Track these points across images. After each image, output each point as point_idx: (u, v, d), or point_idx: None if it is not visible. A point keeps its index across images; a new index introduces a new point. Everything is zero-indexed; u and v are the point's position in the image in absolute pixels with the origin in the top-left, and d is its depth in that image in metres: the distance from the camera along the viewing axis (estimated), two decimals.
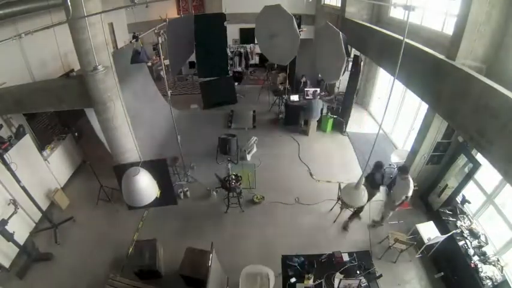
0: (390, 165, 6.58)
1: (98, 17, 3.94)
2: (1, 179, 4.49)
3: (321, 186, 6.27)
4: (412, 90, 4.87)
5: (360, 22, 7.13)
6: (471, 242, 4.19)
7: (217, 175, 5.69)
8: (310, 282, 3.67)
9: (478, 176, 4.58)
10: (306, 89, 8.40)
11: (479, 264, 3.88)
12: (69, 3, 2.90)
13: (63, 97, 4.85)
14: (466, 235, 4.31)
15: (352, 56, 7.80)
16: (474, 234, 4.29)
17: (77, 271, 4.55)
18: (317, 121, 8.00)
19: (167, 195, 4.67)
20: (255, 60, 12.59)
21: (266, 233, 5.20)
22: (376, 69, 8.49)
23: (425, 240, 4.38)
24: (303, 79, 9.17)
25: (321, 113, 7.83)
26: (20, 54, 5.72)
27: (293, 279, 3.76)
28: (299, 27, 6.50)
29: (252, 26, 5.86)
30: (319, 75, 9.32)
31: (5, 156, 4.41)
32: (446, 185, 5.07)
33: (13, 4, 4.75)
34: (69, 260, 4.74)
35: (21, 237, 4.62)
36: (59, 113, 6.58)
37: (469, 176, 4.64)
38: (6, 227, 4.22)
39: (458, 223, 4.50)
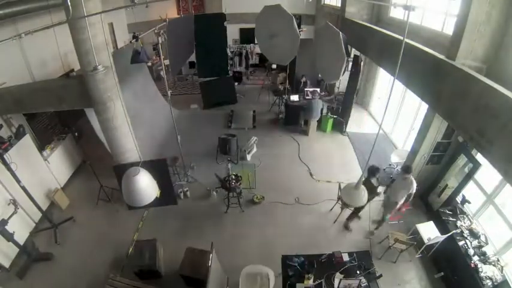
0: (390, 165, 6.59)
1: (98, 17, 3.94)
2: (1, 179, 4.49)
3: (321, 186, 6.27)
4: (412, 90, 4.87)
5: (360, 22, 7.13)
6: (471, 242, 4.19)
7: (217, 175, 5.69)
8: (310, 282, 3.66)
9: (478, 176, 4.58)
10: (306, 89, 8.40)
11: (479, 264, 3.88)
12: (69, 3, 2.91)
13: (63, 97, 4.85)
14: (466, 235, 4.30)
15: (352, 56, 7.80)
16: (474, 234, 4.29)
17: (77, 271, 4.55)
18: (317, 121, 8.00)
19: (167, 195, 4.68)
20: (255, 60, 12.60)
21: (266, 233, 5.20)
22: (376, 69, 8.49)
23: (425, 240, 4.38)
24: (303, 79, 9.17)
25: (321, 113, 7.83)
26: (20, 54, 5.72)
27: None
28: (299, 27, 6.50)
29: (252, 26, 5.85)
30: (319, 75, 9.32)
31: (5, 156, 4.41)
32: (446, 185, 5.07)
33: (13, 4, 4.75)
34: (69, 260, 4.74)
35: (21, 237, 4.62)
36: (59, 113, 6.58)
37: (469, 176, 4.64)
38: (6, 227, 4.22)
39: (458, 223, 4.50)
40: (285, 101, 8.54)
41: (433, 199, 5.36)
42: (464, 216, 4.60)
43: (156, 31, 4.83)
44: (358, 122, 8.53)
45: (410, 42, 4.44)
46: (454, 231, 4.34)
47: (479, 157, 4.46)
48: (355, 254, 4.10)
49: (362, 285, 3.58)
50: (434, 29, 5.27)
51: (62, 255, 4.81)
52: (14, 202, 4.58)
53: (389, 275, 4.34)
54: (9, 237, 4.28)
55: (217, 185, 5.83)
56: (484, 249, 4.07)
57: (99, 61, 3.46)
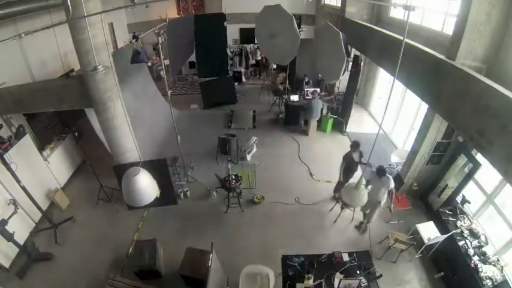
0: (390, 165, 6.58)
1: (98, 17, 3.94)
2: (1, 179, 4.49)
3: (321, 186, 6.27)
4: (412, 90, 4.87)
5: (360, 22, 7.13)
6: (471, 242, 4.19)
7: (217, 175, 5.69)
8: (310, 282, 3.66)
9: (478, 176, 4.58)
10: (306, 89, 8.41)
11: (479, 264, 3.88)
12: (69, 3, 2.91)
13: (63, 97, 4.85)
14: (466, 235, 4.30)
15: (352, 56, 7.80)
16: (474, 234, 4.28)
17: (77, 271, 4.55)
18: (317, 121, 8.00)
19: (167, 195, 4.68)
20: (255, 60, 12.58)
21: (266, 233, 5.20)
22: (376, 69, 8.49)
23: (425, 240, 4.38)
24: (306, 79, 9.16)
25: (321, 113, 7.83)
26: (20, 54, 5.72)
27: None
28: (299, 27, 6.50)
29: (252, 26, 5.85)
30: (319, 75, 9.32)
31: (5, 156, 4.41)
32: (446, 185, 5.07)
33: (13, 4, 4.75)
34: (69, 260, 4.74)
35: (21, 237, 4.61)
36: (59, 113, 6.58)
37: (469, 176, 4.64)
38: (6, 227, 4.22)
39: (458, 223, 4.50)
40: (285, 101, 8.55)
41: (433, 199, 5.36)
42: (464, 216, 4.60)
43: (156, 31, 4.83)
44: (358, 122, 8.53)
45: (410, 42, 4.44)
46: (454, 231, 4.34)
47: (479, 157, 4.46)
48: (355, 254, 4.10)
49: (362, 285, 3.58)
50: (434, 29, 5.27)
51: (62, 255, 4.81)
52: (14, 202, 4.58)
53: (389, 275, 4.34)
54: (9, 237, 4.28)
55: (217, 185, 5.83)
56: (484, 249, 4.07)
57: (99, 61, 3.46)
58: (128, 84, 6.73)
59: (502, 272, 3.78)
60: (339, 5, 8.75)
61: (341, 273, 3.81)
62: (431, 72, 4.14)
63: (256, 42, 6.84)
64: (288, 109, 8.40)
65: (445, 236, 4.33)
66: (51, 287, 4.40)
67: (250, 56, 11.73)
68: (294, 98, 8.38)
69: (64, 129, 6.70)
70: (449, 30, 4.53)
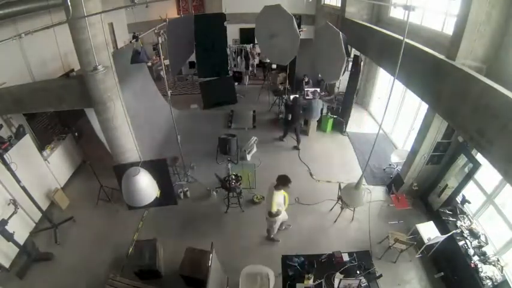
0: (390, 165, 6.59)
1: (98, 17, 3.94)
2: (1, 179, 4.49)
3: (321, 186, 6.27)
4: (412, 90, 4.87)
5: (360, 22, 7.13)
6: (471, 242, 4.19)
7: (217, 175, 5.69)
8: (310, 282, 3.66)
9: (478, 176, 4.58)
10: (306, 89, 8.40)
11: (479, 264, 3.88)
12: (69, 3, 2.91)
13: (63, 97, 4.85)
14: (466, 235, 4.30)
15: (352, 56, 7.80)
16: (474, 234, 4.28)
17: (77, 271, 4.55)
18: (317, 121, 8.00)
19: (167, 195, 4.69)
20: (256, 60, 12.56)
21: (266, 233, 5.19)
22: (376, 69, 8.49)
23: (425, 240, 4.38)
24: (306, 79, 9.15)
25: (321, 113, 7.83)
26: (20, 54, 5.72)
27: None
28: (299, 27, 6.50)
29: (252, 26, 5.85)
30: (319, 75, 9.32)
31: (5, 156, 4.41)
32: (446, 185, 5.06)
33: (13, 4, 4.75)
34: (69, 260, 4.74)
35: (21, 237, 4.61)
36: (59, 113, 6.58)
37: (469, 176, 4.64)
38: (6, 227, 4.22)
39: (458, 223, 4.50)
40: (285, 101, 8.54)
41: (433, 199, 5.36)
42: (464, 216, 4.60)
43: (156, 31, 4.83)
44: (358, 122, 8.53)
45: (410, 42, 4.44)
46: (454, 231, 4.34)
47: (479, 157, 4.46)
48: (355, 254, 4.10)
49: (362, 285, 3.58)
50: (434, 29, 5.27)
51: (62, 255, 4.81)
52: (14, 202, 4.58)
53: (389, 275, 4.34)
54: (9, 237, 4.28)
55: (217, 185, 5.83)
56: (484, 249, 4.07)
57: (99, 61, 3.46)
58: (128, 84, 6.72)
59: (502, 272, 3.78)
60: (339, 5, 8.75)
61: (341, 273, 3.81)
62: (431, 72, 4.14)
63: (256, 42, 6.84)
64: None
65: (445, 236, 4.33)
66: (51, 287, 4.40)
67: (250, 56, 11.72)
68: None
69: (64, 129, 6.70)
70: (449, 30, 4.53)
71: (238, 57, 11.54)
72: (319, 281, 3.72)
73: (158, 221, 5.44)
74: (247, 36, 11.40)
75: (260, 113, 9.13)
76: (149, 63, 10.36)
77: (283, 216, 4.69)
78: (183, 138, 5.88)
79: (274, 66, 11.06)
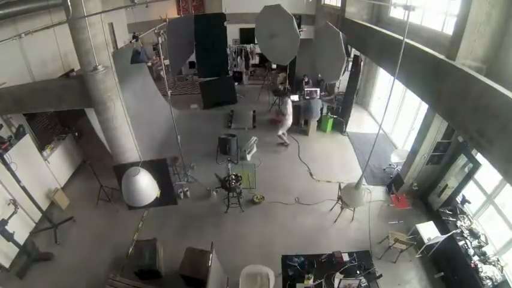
0: (390, 165, 6.59)
1: (98, 17, 3.94)
2: (1, 179, 4.49)
3: (321, 186, 6.27)
4: (412, 90, 4.87)
5: (360, 22, 7.13)
6: (471, 242, 4.19)
7: (217, 175, 5.69)
8: (310, 282, 3.66)
9: (478, 176, 4.58)
10: (305, 89, 8.40)
11: (479, 264, 3.88)
12: (69, 3, 2.91)
13: (63, 97, 4.85)
14: (466, 235, 4.30)
15: (352, 56, 7.80)
16: (474, 234, 4.28)
17: (77, 271, 4.55)
18: (317, 121, 8.00)
19: (167, 195, 4.67)
20: (255, 60, 12.58)
21: (266, 233, 5.20)
22: (376, 69, 8.49)
23: (425, 240, 4.38)
24: (305, 79, 9.16)
25: (321, 113, 7.83)
26: (20, 54, 5.72)
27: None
28: (299, 27, 6.50)
29: (252, 26, 5.85)
30: (319, 75, 9.32)
31: (5, 156, 4.41)
32: (446, 185, 5.06)
33: (13, 4, 4.75)
34: (69, 260, 4.74)
35: (21, 237, 4.61)
36: (59, 113, 6.58)
37: (469, 176, 4.64)
38: (6, 227, 4.22)
39: (458, 223, 4.50)
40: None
41: (433, 199, 5.36)
42: (464, 216, 4.60)
43: (156, 31, 4.83)
44: (358, 122, 8.53)
45: (410, 42, 4.44)
46: (454, 231, 4.34)
47: (479, 157, 4.46)
48: (355, 254, 4.10)
49: (362, 285, 3.59)
50: (434, 29, 5.26)
51: (62, 255, 4.81)
52: (14, 202, 4.58)
53: (389, 275, 4.34)
54: (9, 237, 4.28)
55: (217, 185, 5.83)
56: (484, 249, 4.07)
57: (99, 61, 3.46)
58: (128, 84, 6.73)
59: (502, 272, 3.78)
60: (339, 5, 8.75)
61: (341, 273, 3.81)
62: (431, 72, 4.14)
63: (256, 42, 6.85)
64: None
65: (445, 236, 4.33)
66: (51, 287, 4.40)
67: (250, 56, 11.72)
68: (294, 98, 8.36)
69: (64, 129, 6.70)
70: (449, 30, 4.53)
71: (238, 57, 11.53)
72: (319, 281, 3.72)
73: (158, 221, 5.44)
74: (247, 36, 11.38)
75: (260, 113, 9.13)
76: (149, 63, 10.35)
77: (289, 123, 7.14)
78: (183, 138, 5.88)
79: (274, 66, 11.05)
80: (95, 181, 5.69)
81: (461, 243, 4.19)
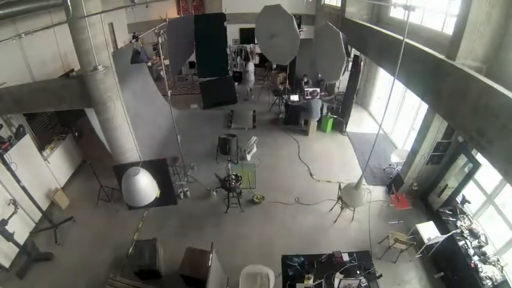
0: (390, 165, 6.59)
1: (98, 17, 3.94)
2: (1, 179, 4.49)
3: (321, 186, 6.27)
4: (412, 90, 4.88)
5: (360, 22, 7.13)
6: (471, 242, 4.19)
7: (217, 175, 5.69)
8: (310, 282, 3.66)
9: (478, 176, 4.58)
10: (305, 89, 8.40)
11: (479, 264, 3.88)
12: (69, 3, 2.92)
13: (63, 97, 4.85)
14: (466, 235, 4.30)
15: (352, 56, 7.80)
16: (474, 234, 4.28)
17: (77, 271, 4.55)
18: (317, 121, 8.00)
19: (167, 195, 4.67)
20: (255, 60, 12.58)
21: (266, 233, 5.20)
22: (376, 69, 8.49)
23: (425, 240, 4.38)
24: (305, 79, 9.16)
25: (321, 113, 7.84)
26: (20, 54, 5.72)
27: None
28: (299, 27, 6.50)
29: (252, 26, 5.85)
30: (319, 75, 9.32)
31: (5, 156, 4.41)
32: (446, 185, 5.07)
33: (13, 4, 4.75)
34: (69, 260, 4.74)
35: (21, 237, 4.61)
36: (59, 113, 6.58)
37: (469, 176, 4.64)
38: (6, 227, 4.22)
39: (458, 223, 4.50)
40: (285, 101, 8.54)
41: (433, 199, 5.36)
42: (464, 216, 4.60)
43: (156, 31, 4.83)
44: (358, 122, 8.53)
45: (410, 42, 4.44)
46: (454, 231, 4.34)
47: (479, 157, 4.46)
48: (355, 254, 4.10)
49: (362, 285, 3.59)
50: (434, 29, 5.27)
51: (62, 255, 4.81)
52: (14, 202, 4.58)
53: (389, 275, 4.34)
54: (9, 237, 4.27)
55: (217, 185, 5.83)
56: (484, 249, 4.07)
57: (99, 61, 3.47)
58: (128, 84, 6.73)
59: (502, 272, 3.78)
60: (339, 5, 8.75)
61: (341, 273, 3.81)
62: (431, 72, 4.14)
63: (256, 42, 6.88)
64: (288, 109, 8.40)
65: (445, 236, 4.33)
66: (51, 287, 4.40)
67: (250, 56, 11.71)
68: (294, 98, 8.38)
69: (64, 129, 6.69)
70: (449, 30, 4.53)
71: (238, 57, 11.53)
72: (319, 281, 3.72)
73: (158, 221, 5.44)
74: (247, 36, 11.39)
75: (260, 113, 9.13)
76: (149, 63, 10.36)
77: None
78: (183, 138, 5.88)
79: (274, 66, 11.04)
80: (95, 181, 5.69)
81: (461, 243, 4.19)
